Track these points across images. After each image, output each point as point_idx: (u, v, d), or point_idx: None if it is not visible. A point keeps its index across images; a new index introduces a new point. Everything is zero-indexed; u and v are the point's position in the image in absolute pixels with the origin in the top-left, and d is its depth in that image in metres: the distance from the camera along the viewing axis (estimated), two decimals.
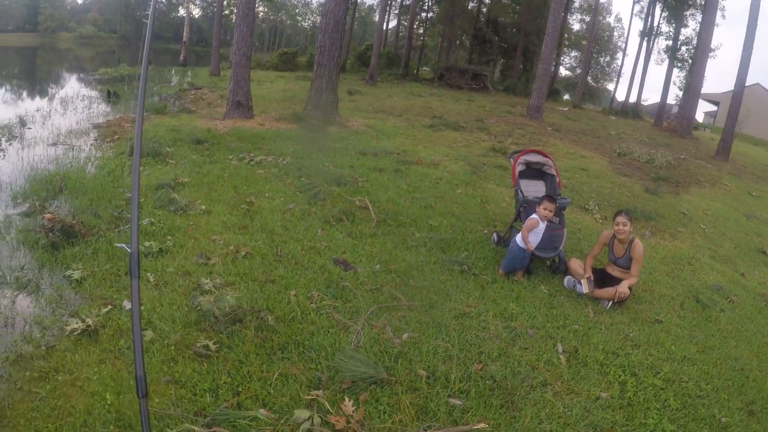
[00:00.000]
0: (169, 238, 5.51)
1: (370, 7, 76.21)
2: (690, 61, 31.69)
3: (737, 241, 9.23)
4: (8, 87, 21.47)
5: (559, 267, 6.10)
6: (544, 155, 6.96)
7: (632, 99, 39.99)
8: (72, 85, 22.82)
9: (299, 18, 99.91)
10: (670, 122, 28.82)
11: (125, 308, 4.10)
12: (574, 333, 4.72)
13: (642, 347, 4.68)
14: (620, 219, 5.58)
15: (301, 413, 3.14)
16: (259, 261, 5.23)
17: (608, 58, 61.66)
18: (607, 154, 16.09)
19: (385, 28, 45.72)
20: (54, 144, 9.68)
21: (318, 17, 75.07)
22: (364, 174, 9.12)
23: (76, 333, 3.71)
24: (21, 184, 7.04)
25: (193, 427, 2.94)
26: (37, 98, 18.26)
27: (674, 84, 34.05)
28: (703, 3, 28.39)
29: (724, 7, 30.90)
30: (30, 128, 11.00)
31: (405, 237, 6.47)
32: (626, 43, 79.63)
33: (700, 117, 46.31)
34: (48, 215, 5.45)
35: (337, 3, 14.51)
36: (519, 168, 6.78)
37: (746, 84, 20.58)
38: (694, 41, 31.09)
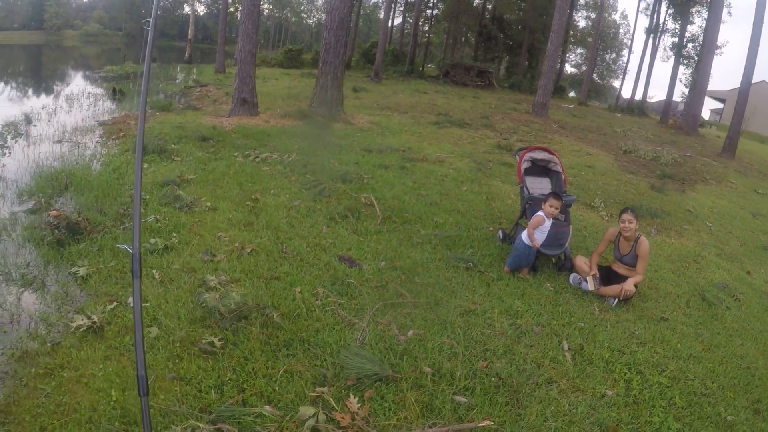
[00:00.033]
0: (174, 235, 5.52)
1: (375, 4, 75.97)
2: (696, 58, 31.49)
3: (743, 238, 9.19)
4: (14, 84, 21.54)
5: (564, 264, 6.09)
6: (550, 152, 6.93)
7: (638, 96, 39.70)
8: (77, 83, 22.84)
9: (304, 15, 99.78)
10: (676, 119, 28.65)
11: (130, 305, 4.10)
12: (579, 330, 4.71)
13: (648, 345, 4.66)
14: (626, 216, 5.57)
15: (306, 410, 3.13)
16: (265, 258, 5.23)
17: (614, 55, 61.43)
18: (613, 151, 16.03)
19: (390, 25, 45.79)
20: (59, 141, 9.71)
21: (323, 14, 75.06)
22: (369, 171, 9.11)
23: (81, 330, 3.72)
24: (27, 182, 7.07)
25: (198, 423, 2.94)
26: (43, 96, 18.33)
27: (680, 81, 33.89)
28: (709, 0, 28.19)
29: (730, 4, 30.80)
30: (36, 125, 11.04)
31: (410, 234, 6.46)
32: (632, 40, 79.22)
33: (706, 114, 46.15)
34: (53, 212, 5.46)
35: (342, 0, 14.49)
36: (525, 165, 6.75)
37: (752, 81, 20.43)
38: (700, 38, 30.89)
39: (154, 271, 4.68)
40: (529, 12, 42.05)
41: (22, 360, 3.41)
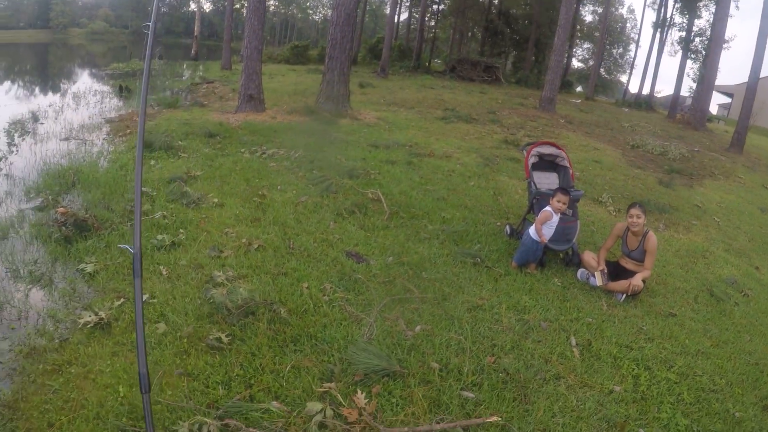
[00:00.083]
0: (181, 231, 5.53)
1: (381, 0, 75.97)
2: (704, 52, 31.32)
3: (752, 234, 9.13)
4: (21, 83, 21.63)
5: (572, 259, 6.06)
6: (558, 147, 6.90)
7: (645, 91, 39.49)
8: (84, 81, 22.91)
9: (310, 11, 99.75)
10: (684, 114, 28.46)
11: None
12: (587, 326, 4.69)
13: (656, 341, 4.64)
14: (634, 211, 5.54)
15: (314, 405, 3.14)
16: (272, 253, 5.23)
17: (621, 50, 60.90)
18: (621, 146, 15.95)
19: (396, 20, 45.58)
20: (66, 139, 9.74)
21: (329, 10, 74.91)
22: (376, 166, 9.10)
23: (89, 326, 3.73)
24: (34, 179, 7.10)
25: (206, 419, 2.94)
26: (50, 93, 18.41)
27: (688, 76, 33.78)
28: None
29: None
30: (43, 123, 11.08)
31: (417, 229, 6.45)
32: (639, 34, 78.77)
33: (713, 109, 45.68)
34: (61, 209, 5.48)
35: None
36: (532, 160, 6.73)
37: (760, 76, 20.29)
38: (708, 32, 30.69)
39: (161, 268, 4.69)
40: (536, 6, 41.89)
41: (30, 356, 3.43)
